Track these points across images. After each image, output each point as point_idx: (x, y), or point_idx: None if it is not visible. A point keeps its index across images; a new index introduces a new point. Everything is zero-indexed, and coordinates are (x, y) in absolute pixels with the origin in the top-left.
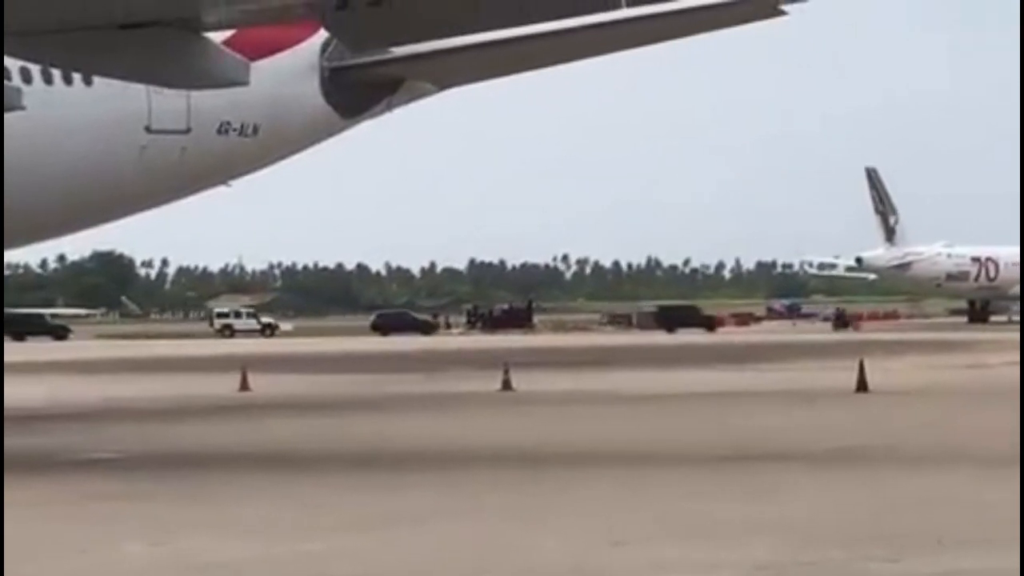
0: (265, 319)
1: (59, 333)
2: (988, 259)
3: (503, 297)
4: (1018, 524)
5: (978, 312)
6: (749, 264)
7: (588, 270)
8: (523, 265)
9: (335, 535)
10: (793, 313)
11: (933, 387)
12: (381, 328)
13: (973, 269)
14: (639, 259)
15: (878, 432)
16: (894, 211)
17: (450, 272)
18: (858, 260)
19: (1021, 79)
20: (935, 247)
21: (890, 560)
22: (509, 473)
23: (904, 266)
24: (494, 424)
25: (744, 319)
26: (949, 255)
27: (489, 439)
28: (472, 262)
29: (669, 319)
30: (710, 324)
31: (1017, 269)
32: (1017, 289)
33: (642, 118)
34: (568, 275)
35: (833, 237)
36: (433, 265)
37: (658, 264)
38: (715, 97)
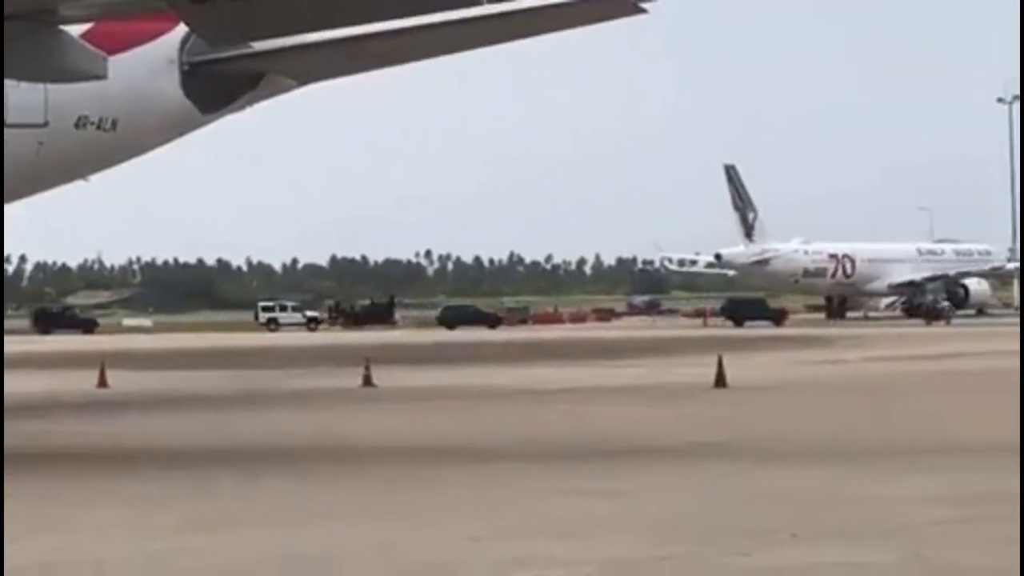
0: (310, 313)
1: None
2: (845, 256)
3: (365, 293)
4: (875, 518)
5: (835, 308)
6: (610, 260)
7: (450, 266)
8: (385, 261)
9: (179, 535)
10: (652, 310)
11: (791, 382)
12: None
13: (830, 266)
14: (501, 255)
15: (736, 427)
16: (753, 208)
17: (312, 268)
18: (717, 256)
19: (1021, 78)
20: (793, 243)
21: (743, 554)
22: (367, 469)
23: (763, 262)
24: (353, 420)
25: (605, 315)
26: (807, 252)
27: (347, 436)
28: (334, 258)
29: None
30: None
31: (872, 266)
32: (873, 285)
33: (499, 112)
34: (430, 271)
35: (694, 235)
36: (295, 261)
37: (520, 260)
38: (572, 91)
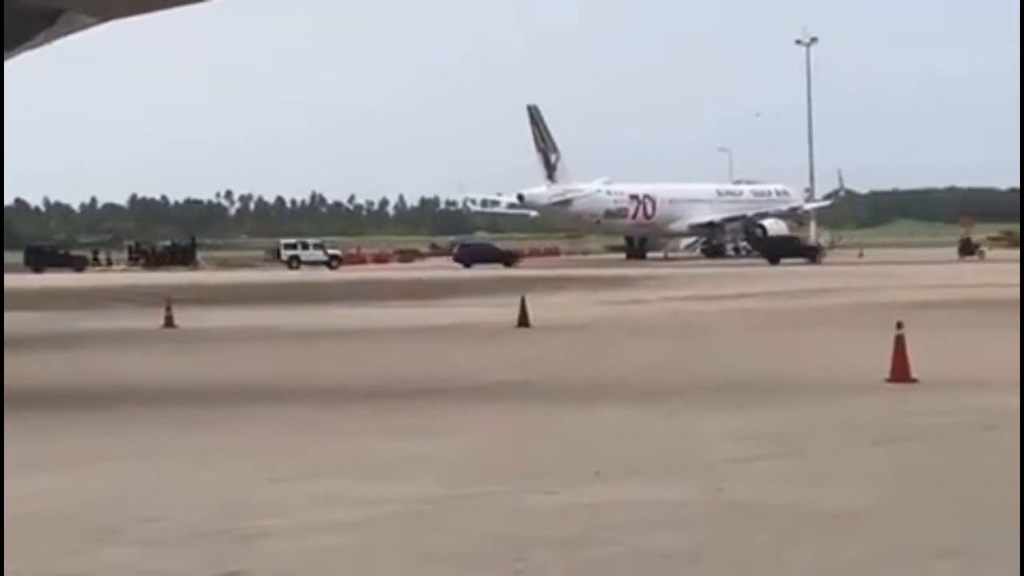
0: (332, 251)
1: None
2: (646, 196)
3: (166, 234)
4: (676, 455)
5: (636, 249)
6: (413, 201)
7: (252, 206)
8: (186, 201)
9: None
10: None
11: (593, 322)
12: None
13: (631, 206)
14: (303, 195)
15: (539, 367)
16: (555, 149)
17: (111, 208)
18: (520, 197)
19: (1021, 77)
20: (595, 184)
21: (549, 492)
22: (168, 411)
23: (565, 203)
24: (155, 362)
25: (409, 256)
26: (608, 192)
27: (149, 377)
28: (134, 198)
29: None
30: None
31: (673, 206)
32: (674, 225)
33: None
34: (232, 211)
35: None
36: (94, 200)
37: (323, 200)
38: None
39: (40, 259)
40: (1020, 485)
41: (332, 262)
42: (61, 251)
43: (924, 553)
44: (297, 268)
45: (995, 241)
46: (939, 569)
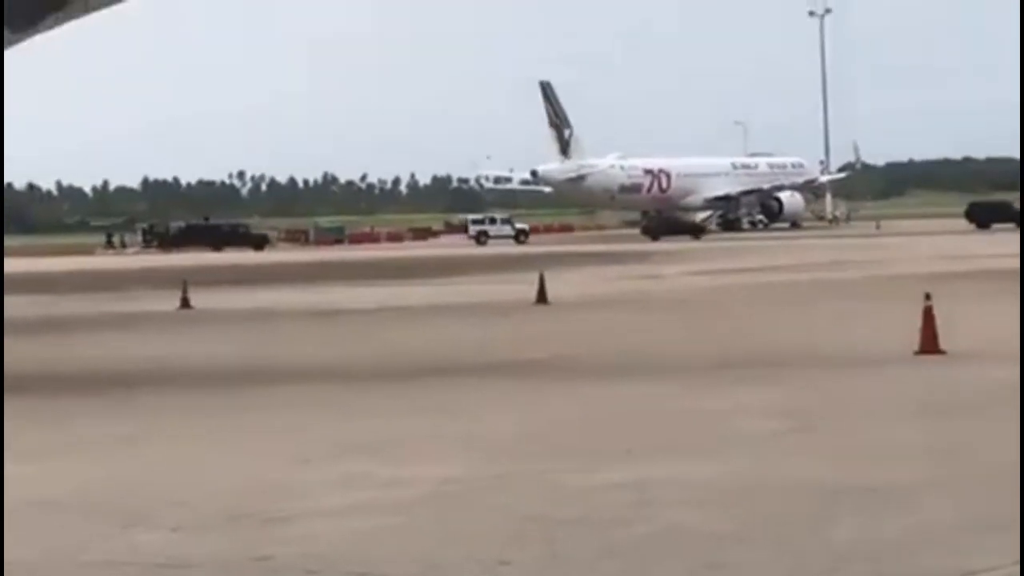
0: (519, 225)
1: None
2: (661, 171)
3: (179, 215)
4: (706, 431)
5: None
6: (425, 179)
7: (264, 187)
8: (199, 182)
9: (21, 462)
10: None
11: (613, 298)
12: None
13: (646, 181)
14: (315, 175)
15: (562, 344)
16: (568, 124)
17: (124, 191)
18: (533, 173)
19: (1021, 77)
20: (608, 159)
21: (583, 471)
22: (192, 393)
23: (579, 179)
24: (174, 343)
25: (422, 234)
26: (623, 167)
27: (170, 359)
28: (146, 180)
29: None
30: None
31: (688, 180)
32: (689, 199)
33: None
34: (244, 192)
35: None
36: (106, 184)
37: (334, 180)
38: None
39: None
40: (1020, 482)
41: (520, 236)
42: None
43: (967, 529)
44: (485, 243)
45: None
46: (986, 542)
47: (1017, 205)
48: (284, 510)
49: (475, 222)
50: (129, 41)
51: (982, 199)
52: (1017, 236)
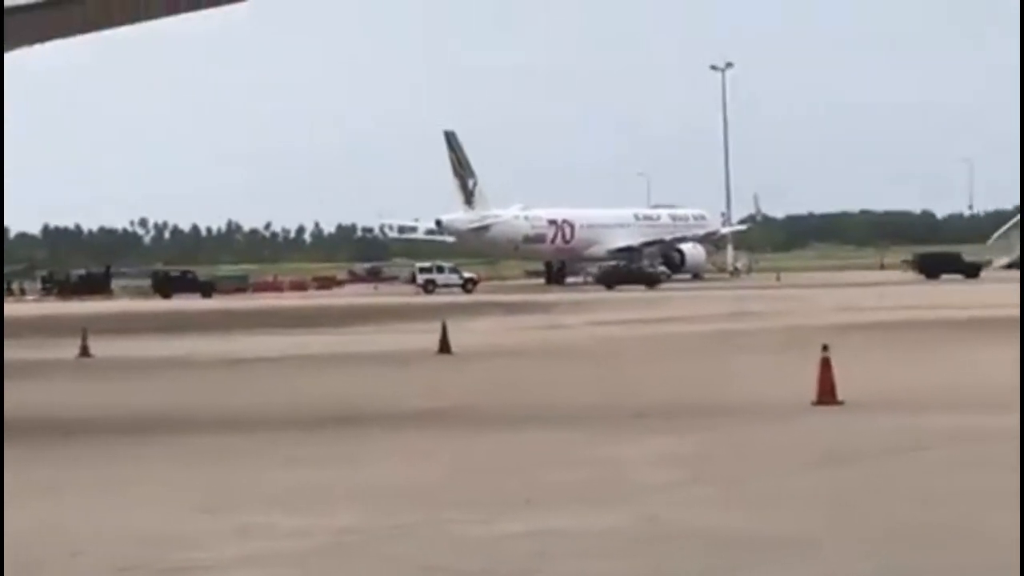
0: (467, 274)
1: None
2: (564, 221)
3: (80, 263)
4: (607, 481)
5: (555, 274)
6: (330, 228)
7: (167, 235)
8: (100, 230)
9: None
10: (373, 277)
11: (515, 348)
12: None
13: (550, 231)
14: (219, 223)
15: (462, 393)
16: (472, 174)
17: (24, 237)
18: (438, 223)
19: (1021, 79)
20: (512, 209)
21: (482, 522)
22: (91, 443)
23: (483, 228)
24: (72, 391)
25: (326, 283)
26: (527, 218)
27: (68, 408)
28: (47, 227)
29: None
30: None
31: (591, 231)
32: (593, 250)
33: (218, 82)
34: (147, 240)
35: (413, 202)
36: (7, 230)
37: (238, 228)
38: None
39: None
40: (1020, 493)
41: (467, 284)
42: None
43: None
44: (432, 292)
45: (909, 264)
46: None
47: (967, 257)
48: (180, 561)
49: (423, 270)
50: (29, 87)
51: (931, 250)
52: (957, 286)
